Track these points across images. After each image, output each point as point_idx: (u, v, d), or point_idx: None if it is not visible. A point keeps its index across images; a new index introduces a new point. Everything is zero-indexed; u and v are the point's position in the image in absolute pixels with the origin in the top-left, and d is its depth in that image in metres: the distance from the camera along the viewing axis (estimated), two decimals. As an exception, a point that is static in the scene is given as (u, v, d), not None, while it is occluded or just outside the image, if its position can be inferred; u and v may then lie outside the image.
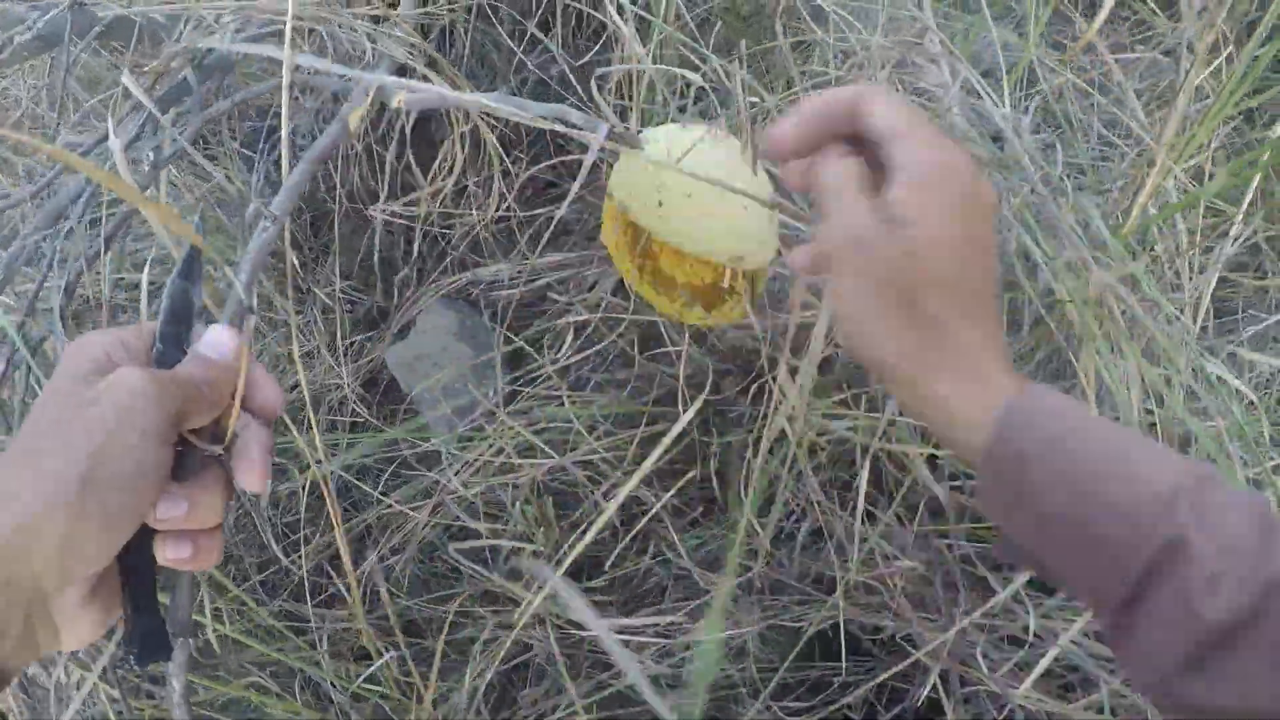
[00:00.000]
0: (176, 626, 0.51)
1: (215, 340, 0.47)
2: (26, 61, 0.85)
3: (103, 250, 0.72)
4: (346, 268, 1.06)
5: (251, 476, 0.46)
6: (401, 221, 1.05)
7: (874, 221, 0.42)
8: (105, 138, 0.62)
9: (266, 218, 0.52)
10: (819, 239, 0.45)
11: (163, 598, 0.47)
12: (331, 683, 0.90)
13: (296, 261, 0.97)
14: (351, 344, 1.00)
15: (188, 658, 0.54)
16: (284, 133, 0.57)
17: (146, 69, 0.69)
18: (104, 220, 0.71)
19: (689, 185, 0.57)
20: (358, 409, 0.99)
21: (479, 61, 1.11)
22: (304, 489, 0.98)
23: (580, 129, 0.54)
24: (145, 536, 0.44)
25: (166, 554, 0.45)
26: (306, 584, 0.96)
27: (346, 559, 0.64)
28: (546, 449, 0.88)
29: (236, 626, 0.88)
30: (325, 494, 0.68)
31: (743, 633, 0.86)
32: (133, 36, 0.92)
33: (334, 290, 0.98)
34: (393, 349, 1.03)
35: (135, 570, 0.45)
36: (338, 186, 1.05)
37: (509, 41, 1.02)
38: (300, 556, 0.95)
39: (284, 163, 0.58)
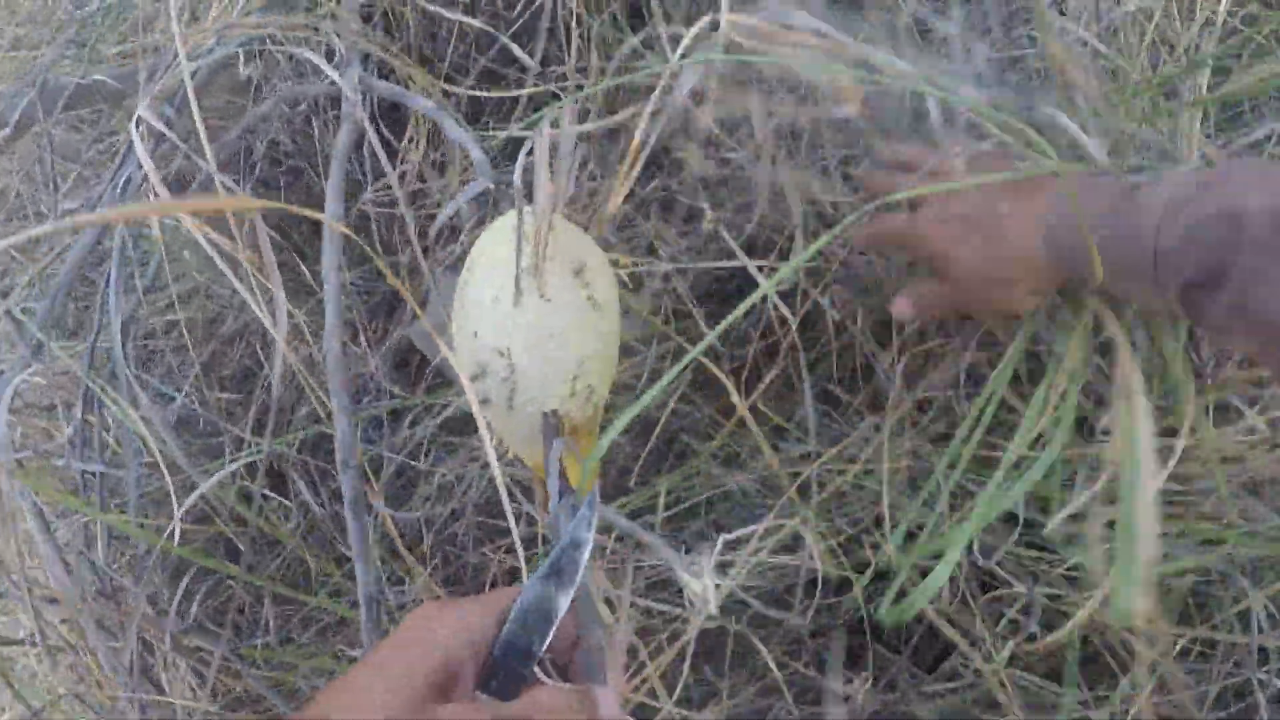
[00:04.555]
0: None
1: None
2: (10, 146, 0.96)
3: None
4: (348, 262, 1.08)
5: None
6: (386, 211, 1.03)
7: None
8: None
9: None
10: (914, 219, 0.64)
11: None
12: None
13: (305, 268, 1.02)
14: (375, 331, 1.07)
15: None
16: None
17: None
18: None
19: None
20: (393, 391, 1.04)
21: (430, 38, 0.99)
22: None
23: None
24: None
25: None
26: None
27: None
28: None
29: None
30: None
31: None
32: (95, 100, 1.00)
33: (345, 283, 1.02)
34: (413, 325, 1.05)
35: None
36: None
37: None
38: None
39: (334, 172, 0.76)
